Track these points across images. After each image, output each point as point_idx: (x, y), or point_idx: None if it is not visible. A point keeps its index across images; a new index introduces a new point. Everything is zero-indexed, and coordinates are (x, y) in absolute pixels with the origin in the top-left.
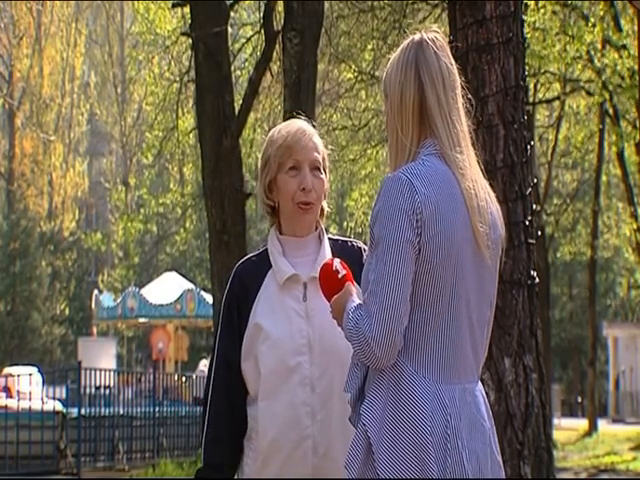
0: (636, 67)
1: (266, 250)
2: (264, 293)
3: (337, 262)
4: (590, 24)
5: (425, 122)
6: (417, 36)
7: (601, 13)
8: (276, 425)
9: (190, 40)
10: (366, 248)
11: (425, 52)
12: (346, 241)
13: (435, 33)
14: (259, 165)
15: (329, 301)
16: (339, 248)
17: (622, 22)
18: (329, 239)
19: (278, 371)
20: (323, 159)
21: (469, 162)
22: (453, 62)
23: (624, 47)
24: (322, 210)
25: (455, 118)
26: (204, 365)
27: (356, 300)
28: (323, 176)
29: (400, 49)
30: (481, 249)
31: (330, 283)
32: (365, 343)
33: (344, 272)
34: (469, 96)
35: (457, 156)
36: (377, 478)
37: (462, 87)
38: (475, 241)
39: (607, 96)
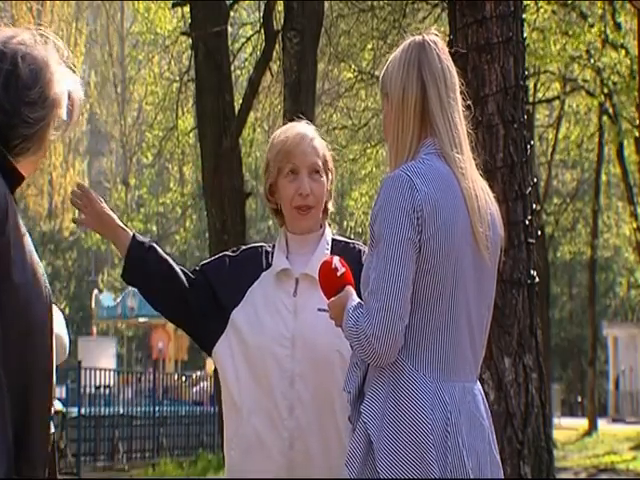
0: (636, 67)
1: (273, 247)
2: (260, 283)
3: (336, 260)
4: (588, 24)
5: (426, 121)
6: (419, 37)
7: (599, 11)
8: (259, 412)
9: (190, 40)
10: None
11: (428, 53)
12: (348, 242)
13: (435, 36)
14: (262, 168)
15: (328, 299)
16: (340, 249)
17: (622, 21)
18: (332, 240)
19: (261, 361)
20: (325, 162)
21: (469, 163)
22: (453, 65)
23: (622, 46)
24: (326, 210)
25: (456, 119)
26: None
27: (356, 299)
28: (323, 179)
29: (401, 49)
30: (480, 249)
31: (329, 281)
32: (366, 341)
33: (343, 270)
34: (467, 100)
35: (457, 156)
36: (377, 477)
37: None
38: (474, 241)
39: (603, 97)
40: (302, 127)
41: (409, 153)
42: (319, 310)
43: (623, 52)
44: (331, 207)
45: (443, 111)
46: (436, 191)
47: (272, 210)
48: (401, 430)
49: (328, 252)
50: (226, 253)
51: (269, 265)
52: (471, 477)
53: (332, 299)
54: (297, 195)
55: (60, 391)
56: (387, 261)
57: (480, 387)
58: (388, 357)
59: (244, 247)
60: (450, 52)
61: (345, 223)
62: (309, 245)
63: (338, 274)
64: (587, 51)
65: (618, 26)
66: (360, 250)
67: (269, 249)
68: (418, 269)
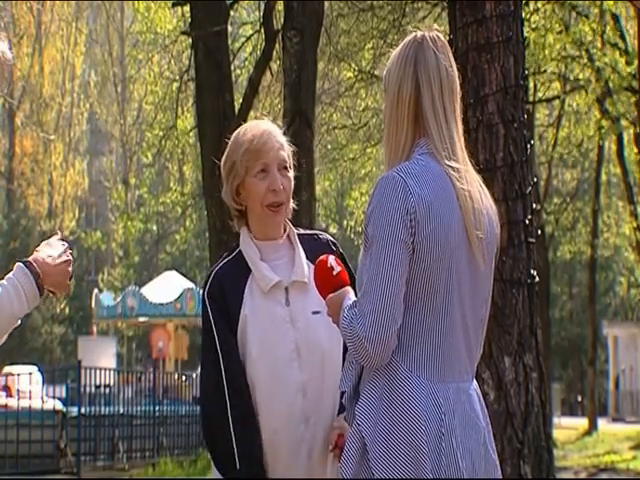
0: (636, 67)
1: (240, 252)
2: (249, 301)
3: (332, 259)
4: (588, 23)
5: (420, 121)
6: (419, 34)
7: (595, 10)
8: (273, 431)
9: (190, 39)
10: (334, 241)
11: (425, 51)
12: (312, 234)
13: (437, 32)
14: (223, 169)
15: (324, 298)
16: (307, 243)
17: (622, 21)
18: (297, 235)
19: (270, 379)
20: (289, 157)
21: (463, 164)
22: (453, 63)
23: (619, 47)
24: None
25: (450, 120)
26: None
27: (352, 298)
28: (290, 174)
29: (402, 45)
30: (474, 251)
31: (325, 280)
32: (359, 343)
33: (339, 269)
34: (467, 100)
35: (450, 157)
36: (372, 478)
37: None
38: (468, 242)
39: (603, 97)
40: (265, 124)
41: (403, 152)
42: (313, 313)
43: (618, 52)
44: (293, 205)
45: (435, 112)
46: (430, 192)
47: (236, 211)
48: (395, 431)
49: (303, 255)
50: (208, 309)
51: (245, 281)
52: (465, 477)
53: (330, 296)
54: (269, 192)
55: (60, 390)
56: (380, 263)
57: (476, 387)
58: (381, 359)
59: (208, 285)
60: (451, 49)
61: (345, 222)
62: (282, 250)
63: (334, 273)
64: (587, 50)
65: (618, 25)
66: (327, 240)
67: (233, 263)
68: (412, 270)
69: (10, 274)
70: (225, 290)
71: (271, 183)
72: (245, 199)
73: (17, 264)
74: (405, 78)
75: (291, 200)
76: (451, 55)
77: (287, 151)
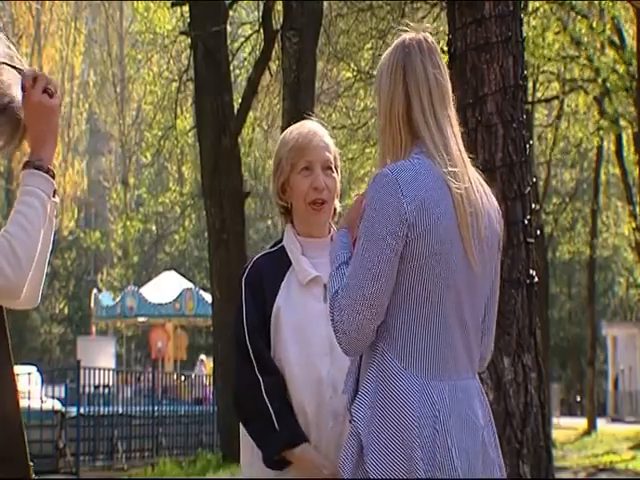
0: (635, 67)
1: (282, 247)
2: (285, 292)
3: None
4: (586, 22)
5: (414, 128)
6: (407, 39)
7: (595, 11)
8: (301, 424)
9: (189, 39)
10: None
11: (413, 60)
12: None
13: (424, 34)
14: (272, 167)
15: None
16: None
17: (621, 21)
18: None
19: (302, 371)
20: (335, 158)
21: (461, 165)
22: (442, 66)
23: (617, 47)
24: (334, 210)
25: (443, 126)
26: (200, 361)
27: (345, 238)
28: (335, 175)
29: (389, 51)
30: (466, 249)
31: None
32: (337, 333)
33: None
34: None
35: (446, 161)
36: (368, 478)
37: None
38: (462, 240)
39: (602, 97)
40: (312, 124)
41: (399, 157)
42: None
43: (613, 53)
44: (339, 207)
45: (427, 121)
46: (423, 190)
47: (282, 209)
48: (389, 429)
49: None
50: (242, 295)
51: (284, 274)
52: (460, 476)
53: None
54: (312, 190)
55: (59, 390)
56: (363, 257)
57: (478, 385)
58: (355, 351)
59: (247, 271)
60: (449, 51)
61: None
62: (325, 249)
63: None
64: (585, 50)
65: (617, 25)
66: None
67: (274, 255)
68: (405, 267)
69: (23, 186)
70: (263, 278)
71: (313, 181)
72: (290, 196)
73: (23, 173)
74: (396, 89)
75: (337, 201)
76: (439, 57)
77: (333, 152)
